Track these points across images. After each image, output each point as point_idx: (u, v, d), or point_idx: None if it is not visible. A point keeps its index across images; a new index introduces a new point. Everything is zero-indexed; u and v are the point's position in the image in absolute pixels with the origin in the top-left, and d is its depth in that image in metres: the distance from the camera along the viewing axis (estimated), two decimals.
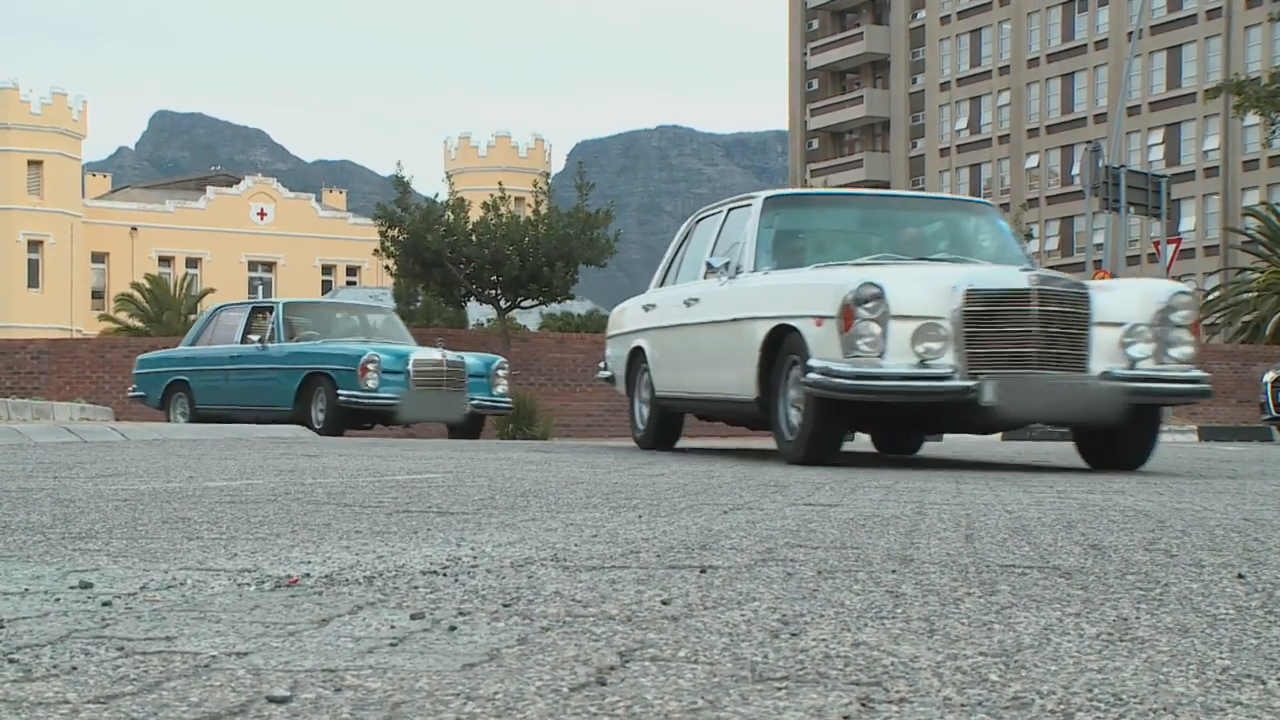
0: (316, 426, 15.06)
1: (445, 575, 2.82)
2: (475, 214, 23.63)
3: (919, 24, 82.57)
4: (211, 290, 52.81)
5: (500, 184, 25.63)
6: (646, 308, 10.63)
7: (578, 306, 42.99)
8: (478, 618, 2.31)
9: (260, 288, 65.77)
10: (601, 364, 11.80)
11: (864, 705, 1.73)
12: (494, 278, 22.93)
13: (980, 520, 4.25)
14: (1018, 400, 7.47)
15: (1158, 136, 69.01)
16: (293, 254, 69.53)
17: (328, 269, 70.19)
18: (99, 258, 66.62)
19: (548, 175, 39.63)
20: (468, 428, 15.82)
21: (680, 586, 2.70)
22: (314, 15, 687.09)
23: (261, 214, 69.90)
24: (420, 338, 17.69)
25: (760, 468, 7.68)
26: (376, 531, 3.71)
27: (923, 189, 73.42)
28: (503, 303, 23.45)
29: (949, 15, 79.97)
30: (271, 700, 1.70)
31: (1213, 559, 3.29)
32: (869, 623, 2.31)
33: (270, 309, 16.64)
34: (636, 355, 10.64)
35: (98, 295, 65.19)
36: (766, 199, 9.26)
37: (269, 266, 69.68)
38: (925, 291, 7.54)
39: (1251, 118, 42.89)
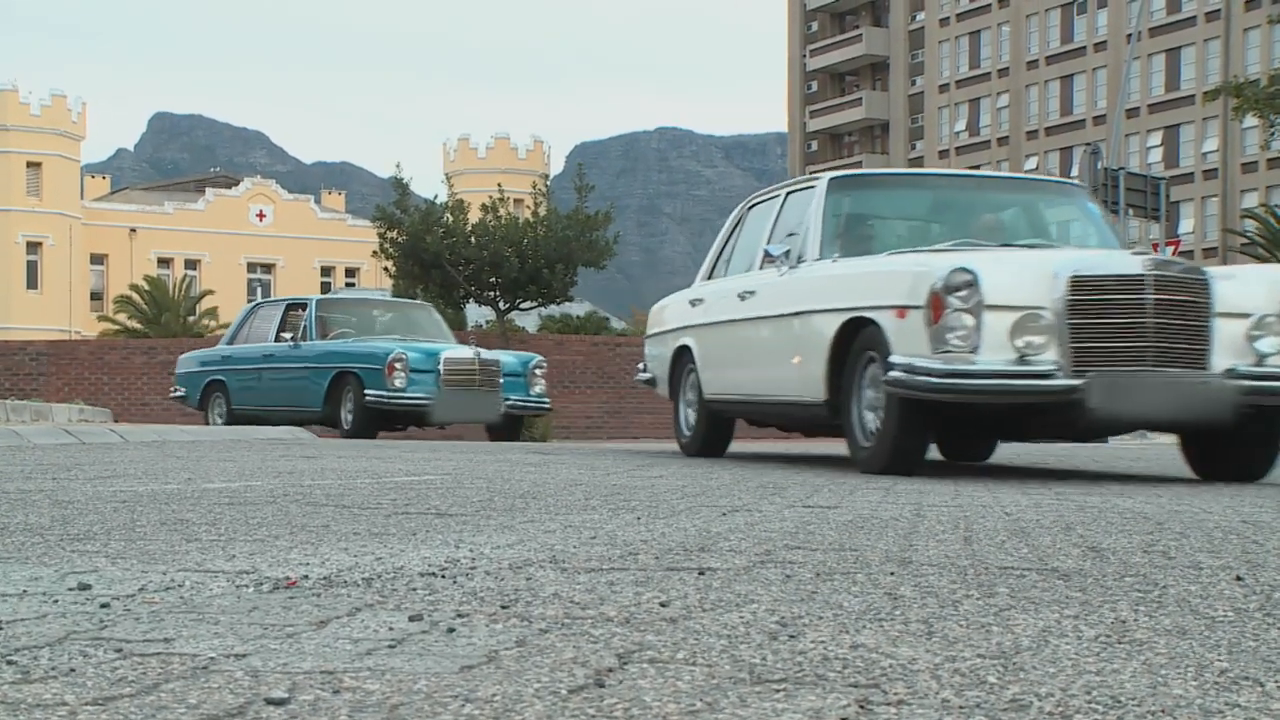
0: (345, 428, 14.51)
1: (444, 577, 2.82)
2: (474, 216, 23.68)
3: (918, 26, 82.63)
4: (210, 292, 52.82)
5: (499, 185, 25.69)
6: (693, 303, 9.78)
7: (577, 308, 42.94)
8: (476, 619, 2.31)
9: (259, 289, 65.73)
10: (641, 365, 11.02)
11: (862, 707, 1.73)
12: (493, 279, 22.95)
13: (979, 522, 4.25)
14: (1126, 401, 6.62)
15: (1157, 139, 69.05)
16: (292, 256, 69.53)
17: (327, 270, 70.17)
18: (98, 259, 66.62)
19: (547, 177, 39.72)
20: (505, 429, 15.01)
21: (679, 588, 2.70)
22: (314, 15, 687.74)
23: (260, 216, 69.90)
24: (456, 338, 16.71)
25: (760, 471, 7.68)
26: (375, 533, 3.71)
27: None
28: (501, 304, 23.47)
29: (948, 17, 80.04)
30: (270, 702, 1.70)
31: (1211, 561, 3.29)
32: (867, 625, 2.31)
33: (304, 306, 15.96)
34: (682, 355, 9.83)
35: (96, 297, 65.16)
36: (831, 180, 8.40)
37: (268, 268, 69.67)
38: (1024, 278, 6.71)
39: (1250, 120, 42.84)
